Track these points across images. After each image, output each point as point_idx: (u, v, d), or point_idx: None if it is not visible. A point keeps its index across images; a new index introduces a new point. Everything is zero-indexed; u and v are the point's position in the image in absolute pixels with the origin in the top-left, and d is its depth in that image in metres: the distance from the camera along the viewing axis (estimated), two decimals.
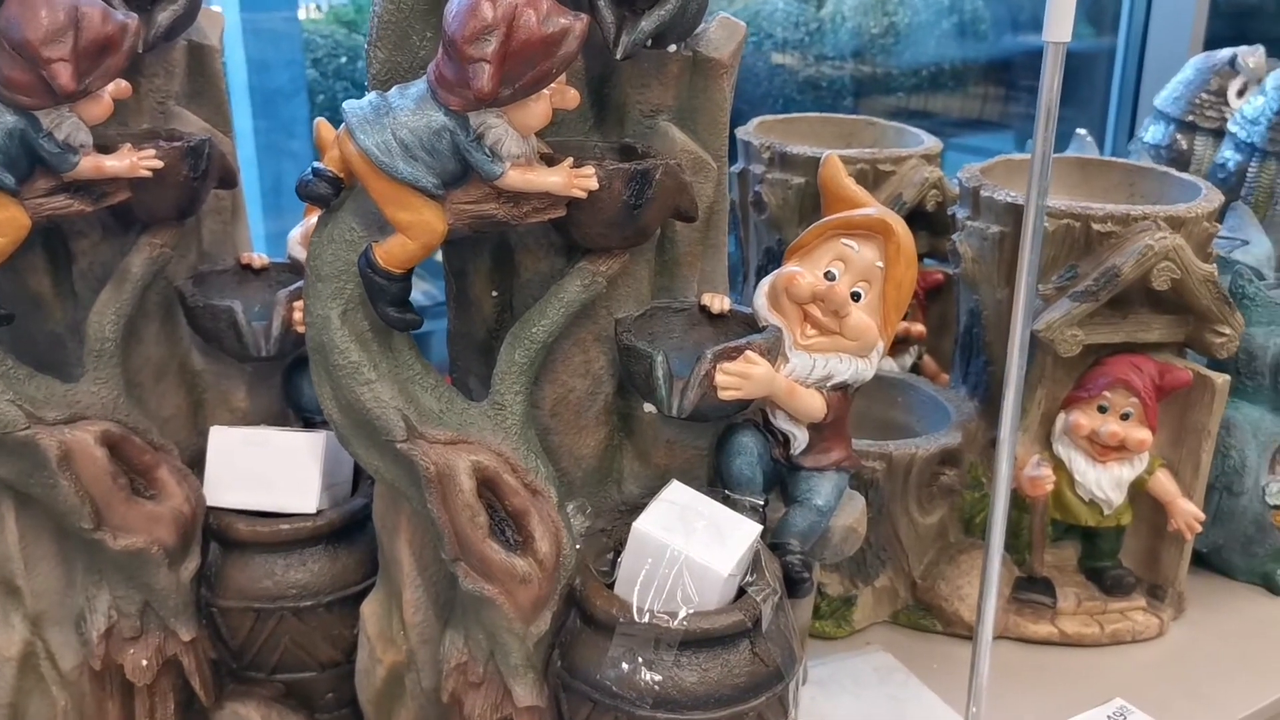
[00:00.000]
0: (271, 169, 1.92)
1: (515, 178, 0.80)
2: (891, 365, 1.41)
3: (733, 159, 1.46)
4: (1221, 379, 1.13)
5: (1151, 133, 1.86)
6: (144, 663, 0.95)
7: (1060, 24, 0.79)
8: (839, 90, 2.71)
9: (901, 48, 2.77)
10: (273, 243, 1.84)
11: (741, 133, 1.43)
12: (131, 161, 0.87)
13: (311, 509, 0.99)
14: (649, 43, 0.87)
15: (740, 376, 0.87)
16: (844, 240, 0.93)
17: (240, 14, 1.88)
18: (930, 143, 1.40)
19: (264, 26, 1.94)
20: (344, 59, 2.10)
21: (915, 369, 1.44)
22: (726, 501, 0.92)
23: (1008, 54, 2.88)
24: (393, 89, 0.81)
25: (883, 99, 2.78)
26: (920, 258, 1.44)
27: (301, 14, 2.07)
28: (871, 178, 1.32)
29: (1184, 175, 1.23)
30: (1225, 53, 1.82)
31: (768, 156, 1.37)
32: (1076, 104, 2.93)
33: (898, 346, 1.42)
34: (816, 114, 1.54)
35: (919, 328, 1.42)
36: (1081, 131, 1.75)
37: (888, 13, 2.76)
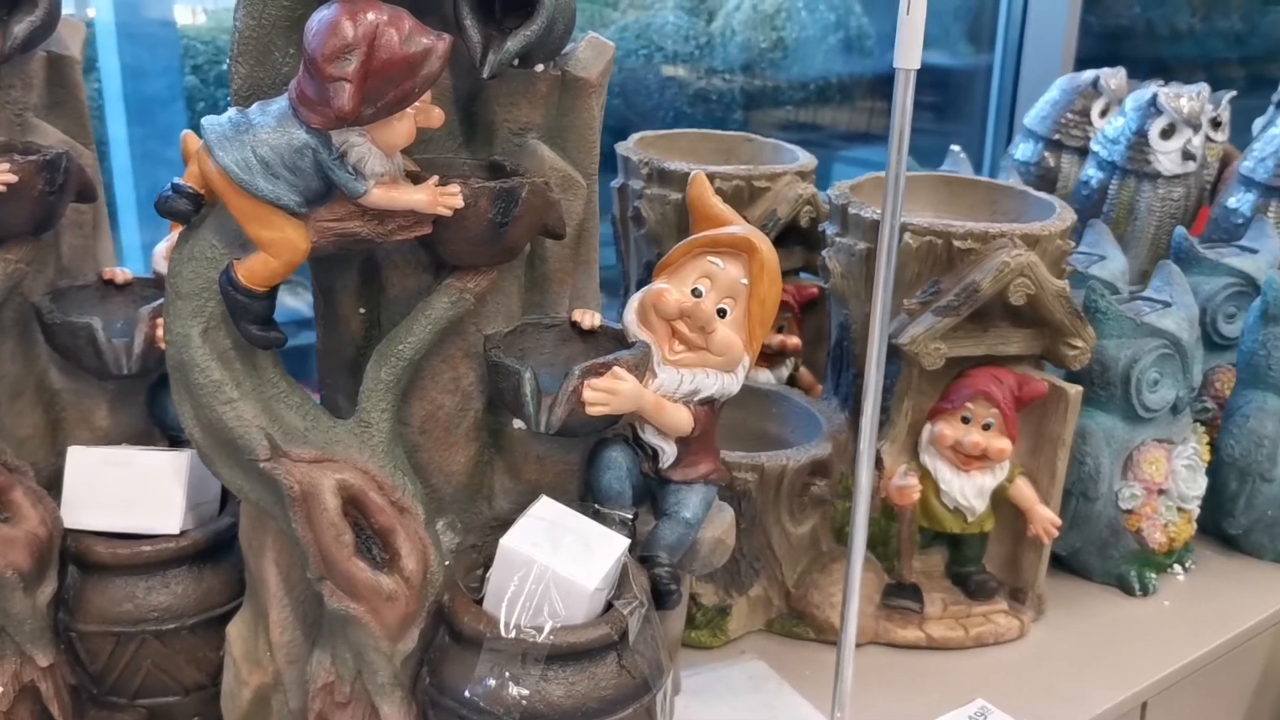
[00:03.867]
0: (148, 178, 1.88)
1: (379, 196, 0.80)
2: (768, 378, 1.44)
3: (613, 174, 1.48)
4: (1075, 390, 1.18)
5: (1021, 150, 1.94)
6: (0, 689, 0.93)
7: (910, 51, 0.82)
8: (729, 104, 2.75)
9: (790, 62, 2.82)
10: (149, 254, 1.80)
11: (621, 148, 1.45)
12: None
13: (175, 529, 0.97)
14: (516, 62, 0.88)
15: (608, 392, 0.88)
16: (710, 258, 0.95)
17: (115, 20, 1.84)
18: (805, 159, 1.43)
19: (139, 32, 1.89)
20: (225, 66, 2.06)
21: (792, 381, 1.47)
22: (596, 516, 0.93)
23: (892, 69, 2.96)
24: (254, 105, 0.80)
25: (772, 112, 2.83)
26: (796, 272, 1.48)
27: (185, 19, 2.03)
28: (747, 194, 1.35)
29: (1042, 194, 1.28)
30: (1089, 74, 1.90)
31: (646, 172, 1.38)
32: (957, 120, 3.03)
33: (774, 359, 1.45)
34: (695, 130, 1.57)
35: (795, 341, 1.45)
36: (955, 148, 1.81)
37: (776, 28, 2.81)
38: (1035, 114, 1.94)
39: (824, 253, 1.26)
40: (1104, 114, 1.86)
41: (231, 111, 0.80)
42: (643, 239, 1.43)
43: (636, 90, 2.53)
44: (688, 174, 1.34)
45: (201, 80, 2.05)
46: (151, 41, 1.91)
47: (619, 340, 0.96)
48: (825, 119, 2.92)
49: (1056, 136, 1.89)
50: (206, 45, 2.07)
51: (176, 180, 0.83)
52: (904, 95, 0.84)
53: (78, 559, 0.95)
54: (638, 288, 1.50)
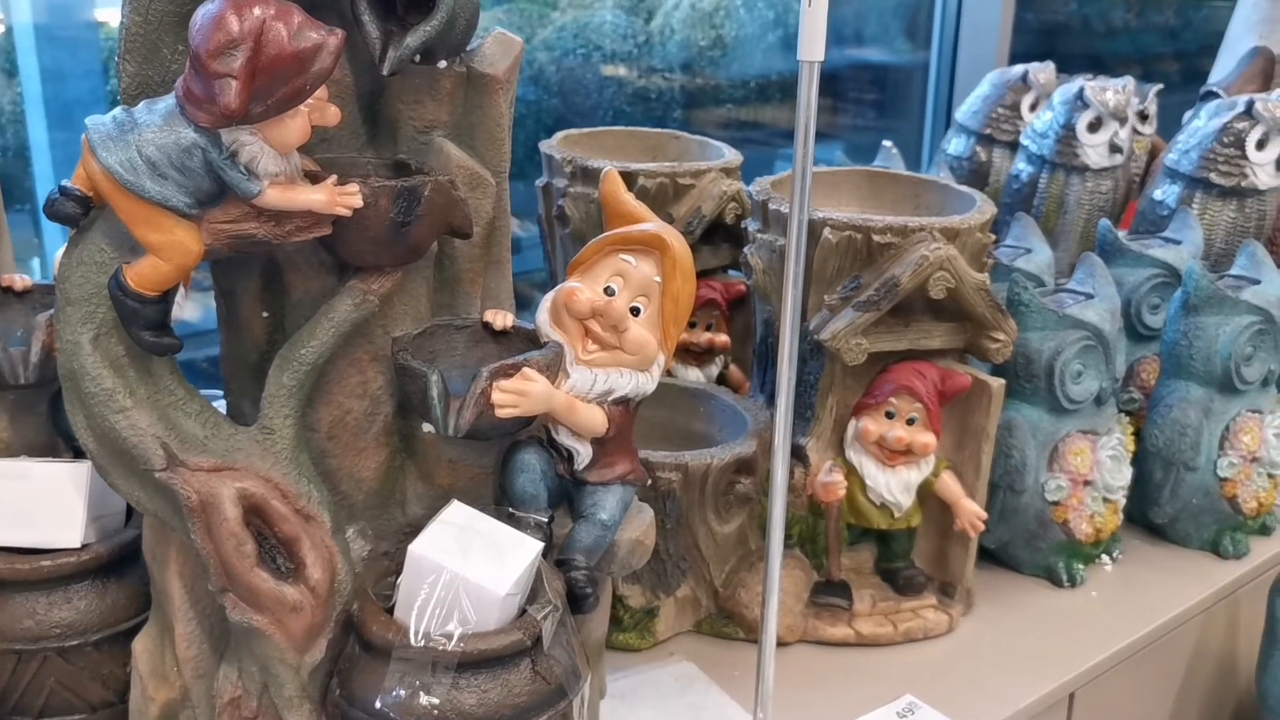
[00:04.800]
0: None
1: (274, 196, 0.78)
2: (698, 376, 1.43)
3: (538, 173, 1.46)
4: (998, 383, 1.18)
5: (954, 145, 1.94)
6: None
7: (814, 44, 0.81)
8: (669, 102, 2.74)
9: (729, 60, 2.82)
10: None
11: (545, 146, 1.43)
12: None
13: (76, 543, 0.94)
14: (417, 58, 0.86)
15: (517, 394, 0.87)
16: (622, 256, 0.93)
17: (34, 23, 1.80)
18: (730, 156, 1.42)
19: (60, 35, 1.85)
20: None
21: (721, 379, 1.46)
22: (510, 519, 0.91)
23: (833, 66, 2.96)
24: (140, 104, 0.78)
25: (712, 110, 2.82)
26: (724, 269, 1.47)
27: (109, 20, 1.98)
28: (671, 191, 1.34)
29: (963, 188, 1.28)
30: (1019, 69, 1.91)
31: (570, 170, 1.37)
32: (895, 115, 3.04)
33: (703, 357, 1.44)
34: (622, 128, 1.55)
35: (723, 338, 1.44)
36: (887, 143, 1.81)
37: (715, 26, 2.80)
38: (967, 109, 1.95)
39: (745, 249, 1.25)
40: (1034, 108, 1.87)
41: (116, 111, 0.78)
42: (568, 238, 1.41)
43: (575, 89, 2.51)
44: None
45: None
46: (73, 45, 1.88)
47: (532, 341, 0.94)
48: (766, 117, 2.92)
49: (988, 131, 1.90)
50: None
51: (64, 183, 0.80)
52: (808, 88, 0.83)
53: None
54: None
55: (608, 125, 1.58)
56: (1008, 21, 2.83)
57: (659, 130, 1.57)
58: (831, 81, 3.00)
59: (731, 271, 1.48)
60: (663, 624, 1.21)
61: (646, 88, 2.72)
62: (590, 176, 1.35)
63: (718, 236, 1.41)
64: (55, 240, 1.86)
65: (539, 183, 1.45)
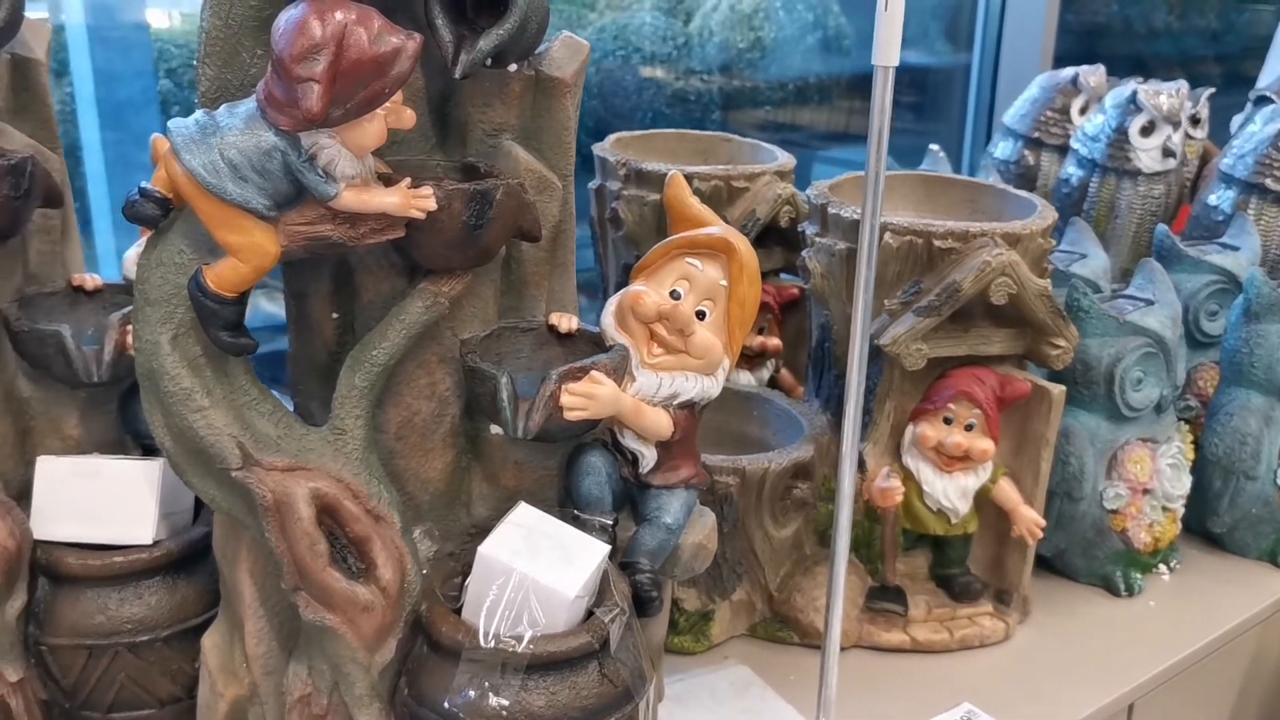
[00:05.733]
0: (122, 183, 1.86)
1: (350, 199, 0.79)
2: (749, 379, 1.43)
3: (591, 175, 1.47)
4: (1058, 390, 1.17)
5: (1001, 149, 1.93)
6: None
7: (888, 48, 0.81)
8: (707, 104, 2.74)
9: (768, 62, 2.81)
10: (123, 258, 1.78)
11: (598, 149, 1.43)
12: None
13: (147, 539, 0.95)
14: (489, 62, 0.86)
15: (586, 397, 0.87)
16: (688, 259, 0.94)
17: (86, 24, 1.82)
18: (784, 159, 1.42)
19: (112, 36, 1.87)
20: None
21: (773, 383, 1.46)
22: (575, 522, 0.92)
23: (870, 69, 2.95)
24: (221, 108, 0.79)
25: (750, 112, 2.82)
26: (776, 273, 1.47)
27: (159, 22, 2.00)
28: (725, 194, 1.34)
29: (1021, 193, 1.27)
30: (1068, 72, 1.89)
31: (623, 173, 1.37)
32: (935, 119, 3.03)
33: (755, 361, 1.44)
34: (673, 130, 1.56)
35: (775, 342, 1.44)
36: (934, 147, 1.80)
37: (754, 28, 2.80)
38: (1014, 112, 1.94)
39: (803, 253, 1.25)
40: (1083, 111, 1.86)
41: (199, 114, 0.78)
42: (620, 241, 1.41)
43: (614, 91, 2.52)
44: (665, 175, 1.32)
45: (175, 84, 2.03)
46: (124, 45, 1.89)
47: (597, 344, 0.95)
48: (803, 119, 2.92)
49: (1036, 134, 1.89)
50: (180, 49, 2.05)
51: (144, 184, 0.81)
52: (883, 93, 0.83)
53: (48, 571, 0.93)
54: (616, 290, 1.49)
55: (647, 127, 1.58)
56: (1052, 23, 2.82)
57: (710, 133, 1.57)
58: (868, 83, 2.99)
59: (783, 275, 1.48)
60: (717, 627, 1.21)
61: (685, 89, 2.72)
62: (644, 179, 1.36)
63: (770, 240, 1.41)
64: (104, 239, 1.88)
65: (591, 185, 1.45)
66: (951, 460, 1.18)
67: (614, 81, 2.55)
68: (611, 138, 1.48)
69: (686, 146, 1.51)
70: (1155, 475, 1.29)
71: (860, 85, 2.97)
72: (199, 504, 1.02)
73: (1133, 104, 1.68)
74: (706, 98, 2.74)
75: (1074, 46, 2.95)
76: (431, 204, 0.81)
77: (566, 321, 0.95)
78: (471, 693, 0.82)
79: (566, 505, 0.95)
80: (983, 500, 1.21)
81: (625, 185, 1.37)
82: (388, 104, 0.78)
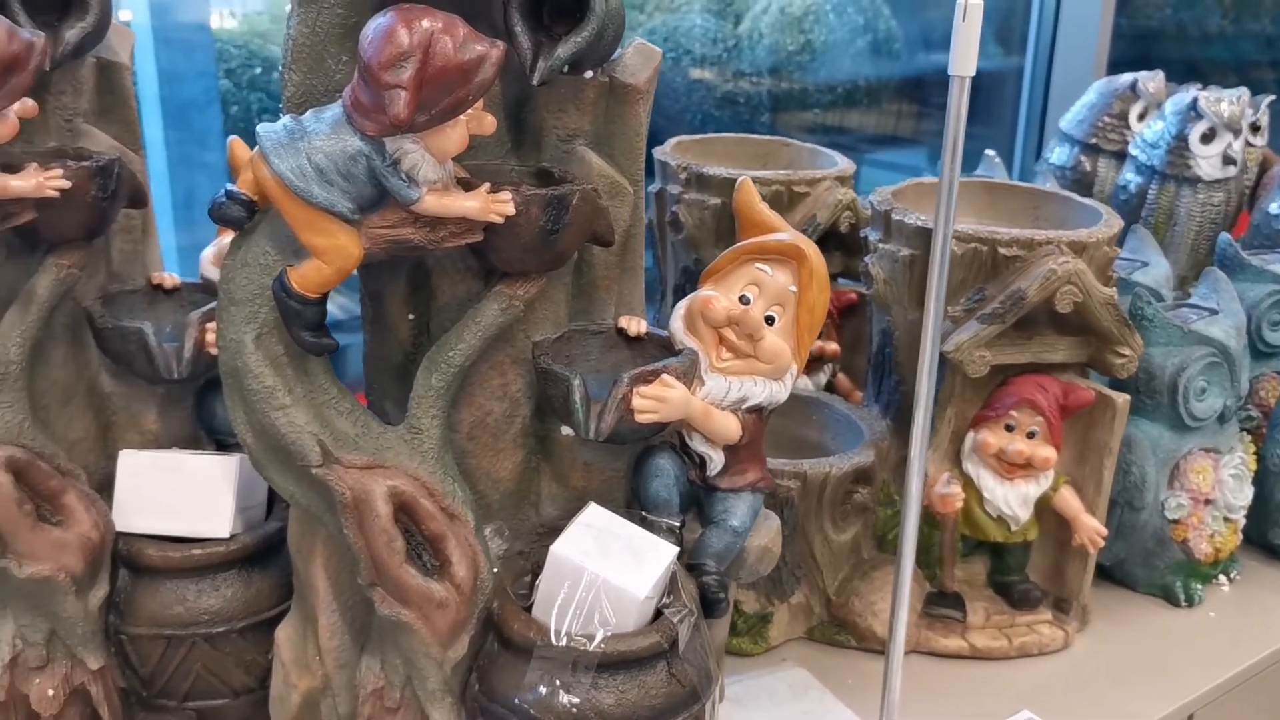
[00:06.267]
0: (184, 182, 1.89)
1: (432, 203, 0.80)
2: (806, 384, 1.43)
3: (649, 179, 1.48)
4: (1122, 398, 1.17)
5: (1057, 154, 1.92)
6: (50, 692, 0.93)
7: (965, 58, 0.81)
8: (756, 106, 2.74)
9: (817, 65, 2.81)
10: (185, 256, 1.81)
11: (658, 153, 1.44)
12: (38, 182, 0.85)
13: (225, 533, 0.97)
14: (566, 69, 0.87)
15: (657, 400, 0.88)
16: (758, 265, 0.94)
17: (151, 24, 1.85)
18: (844, 164, 1.43)
19: (176, 37, 1.90)
20: (258, 70, 2.07)
21: (830, 387, 1.47)
22: (643, 523, 0.93)
23: (920, 72, 2.95)
24: (308, 113, 0.80)
25: (799, 115, 2.82)
26: (834, 277, 1.47)
27: (217, 22, 2.04)
28: (786, 199, 1.35)
29: (1086, 200, 1.27)
30: (1127, 77, 1.88)
31: (684, 177, 1.38)
32: (985, 123, 3.01)
33: (812, 365, 1.45)
34: (732, 134, 1.56)
35: (833, 346, 1.44)
36: (990, 153, 1.80)
37: (804, 30, 2.80)
38: (1071, 117, 1.93)
39: (866, 259, 1.25)
40: (1142, 117, 1.85)
41: (286, 119, 0.80)
42: (680, 244, 1.42)
43: (664, 93, 2.53)
44: (726, 179, 1.34)
45: (235, 84, 2.06)
46: (187, 46, 1.92)
47: (665, 347, 0.96)
48: (853, 122, 2.91)
49: (1093, 140, 1.87)
50: (240, 49, 2.08)
51: (230, 186, 0.83)
52: (959, 102, 0.83)
53: (129, 562, 0.96)
54: (674, 292, 1.51)
55: (695, 129, 1.59)
56: (1107, 27, 2.79)
57: (769, 137, 1.57)
58: (919, 87, 2.98)
59: (841, 279, 1.48)
60: (776, 630, 1.22)
61: (734, 92, 2.72)
62: (705, 183, 1.37)
63: (829, 245, 1.41)
64: (165, 236, 1.91)
65: (651, 188, 1.46)
66: (1012, 467, 1.18)
67: (663, 83, 2.55)
68: (671, 141, 1.49)
69: (745, 151, 1.52)
70: (1218, 486, 1.28)
71: (909, 89, 2.97)
72: (271, 499, 1.04)
73: (1193, 110, 1.67)
74: (755, 100, 2.74)
75: (1127, 51, 2.93)
76: (510, 209, 0.82)
77: (635, 325, 0.96)
78: (542, 689, 0.84)
79: (633, 506, 0.96)
80: (1043, 508, 1.21)
81: (686, 189, 1.38)
82: (470, 110, 0.79)
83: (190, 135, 1.93)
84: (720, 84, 2.70)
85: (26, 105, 0.87)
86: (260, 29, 2.14)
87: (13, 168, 0.85)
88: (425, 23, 0.75)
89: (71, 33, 0.92)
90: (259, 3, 2.15)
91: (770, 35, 2.77)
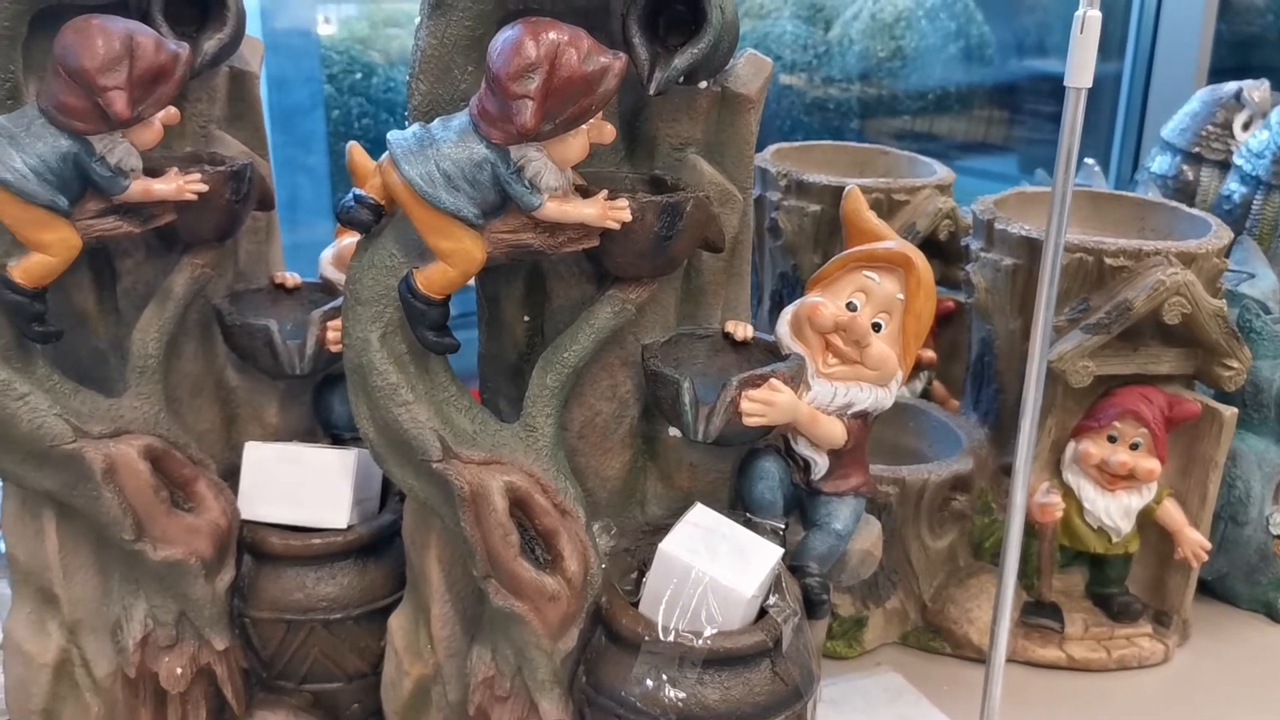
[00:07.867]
0: (287, 184, 1.95)
1: (553, 209, 0.83)
2: (903, 391, 1.44)
3: None
4: (1229, 411, 1.16)
5: (1158, 163, 1.90)
6: (178, 671, 0.97)
7: (1083, 70, 0.82)
8: (845, 112, 2.74)
9: (908, 71, 2.80)
10: (289, 256, 1.87)
11: (758, 160, 1.46)
12: (179, 185, 0.90)
13: (343, 524, 1.01)
14: (681, 79, 0.90)
15: (765, 403, 0.90)
16: (866, 272, 0.96)
17: (261, 31, 1.91)
18: (943, 173, 1.43)
19: (284, 43, 1.96)
20: (359, 75, 2.13)
21: (925, 394, 1.47)
22: (748, 524, 0.94)
23: (1013, 78, 2.92)
24: (435, 121, 0.83)
25: (889, 121, 2.81)
26: None
27: (320, 29, 2.09)
28: (886, 207, 1.35)
29: (1194, 211, 1.26)
30: (1231, 86, 1.85)
31: (784, 184, 1.40)
32: (1085, 131, 2.96)
33: (910, 372, 1.45)
34: (830, 142, 1.58)
35: (930, 354, 1.45)
36: (1090, 161, 1.78)
37: (895, 37, 2.79)
38: (1174, 126, 1.90)
39: (968, 268, 1.26)
40: (1246, 127, 1.82)
41: (414, 127, 0.83)
42: (778, 250, 1.44)
43: None
44: (825, 186, 1.36)
45: (336, 89, 2.12)
46: (294, 52, 1.98)
47: (771, 352, 0.97)
48: (943, 128, 2.89)
49: (1196, 149, 1.85)
50: (341, 55, 2.14)
51: (358, 191, 0.87)
52: (1074, 114, 0.84)
53: (253, 549, 1.00)
54: (771, 298, 1.52)
55: (785, 135, 1.60)
56: (1208, 34, 2.74)
57: (867, 145, 1.58)
58: (1010, 93, 2.95)
59: (939, 287, 1.48)
60: (870, 634, 1.23)
61: (823, 98, 2.72)
62: (804, 190, 1.38)
63: (927, 253, 1.40)
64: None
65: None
66: (1114, 479, 1.17)
67: None
68: (771, 149, 1.51)
69: (843, 158, 1.53)
70: None
71: (1001, 95, 2.94)
72: (385, 493, 1.08)
73: None
74: (845, 106, 2.74)
75: (1227, 57, 2.87)
76: (627, 215, 0.84)
77: (742, 330, 0.98)
78: (649, 683, 0.86)
79: (738, 508, 0.98)
80: (1145, 520, 1.20)
81: (785, 196, 1.40)
82: (591, 119, 0.82)
83: (294, 139, 1.98)
84: (809, 90, 2.71)
85: (170, 113, 0.91)
86: (360, 34, 2.19)
87: (155, 172, 0.90)
88: (552, 35, 0.78)
89: (210, 43, 0.97)
90: (353, 8, 2.20)
91: (861, 41, 2.77)
